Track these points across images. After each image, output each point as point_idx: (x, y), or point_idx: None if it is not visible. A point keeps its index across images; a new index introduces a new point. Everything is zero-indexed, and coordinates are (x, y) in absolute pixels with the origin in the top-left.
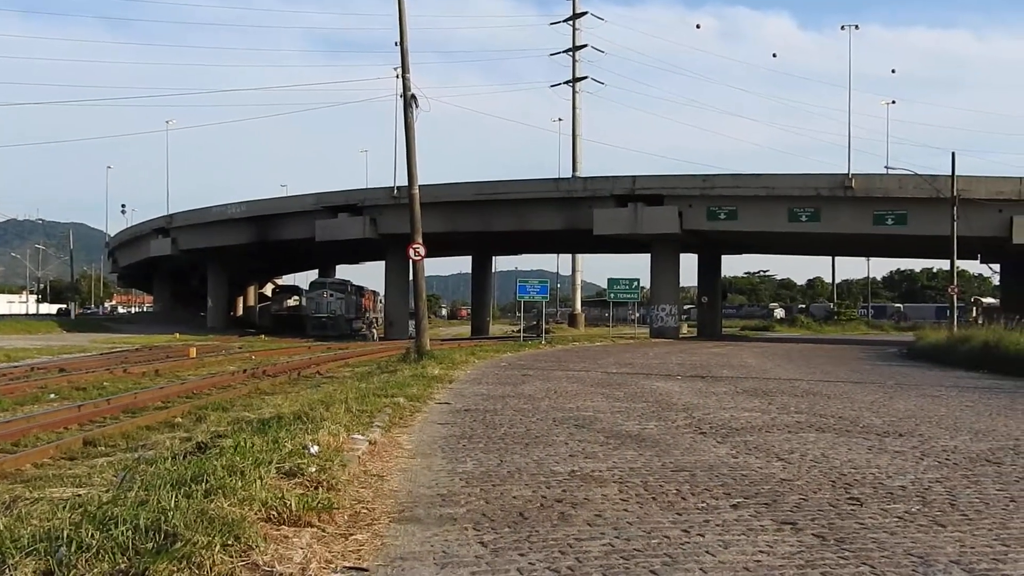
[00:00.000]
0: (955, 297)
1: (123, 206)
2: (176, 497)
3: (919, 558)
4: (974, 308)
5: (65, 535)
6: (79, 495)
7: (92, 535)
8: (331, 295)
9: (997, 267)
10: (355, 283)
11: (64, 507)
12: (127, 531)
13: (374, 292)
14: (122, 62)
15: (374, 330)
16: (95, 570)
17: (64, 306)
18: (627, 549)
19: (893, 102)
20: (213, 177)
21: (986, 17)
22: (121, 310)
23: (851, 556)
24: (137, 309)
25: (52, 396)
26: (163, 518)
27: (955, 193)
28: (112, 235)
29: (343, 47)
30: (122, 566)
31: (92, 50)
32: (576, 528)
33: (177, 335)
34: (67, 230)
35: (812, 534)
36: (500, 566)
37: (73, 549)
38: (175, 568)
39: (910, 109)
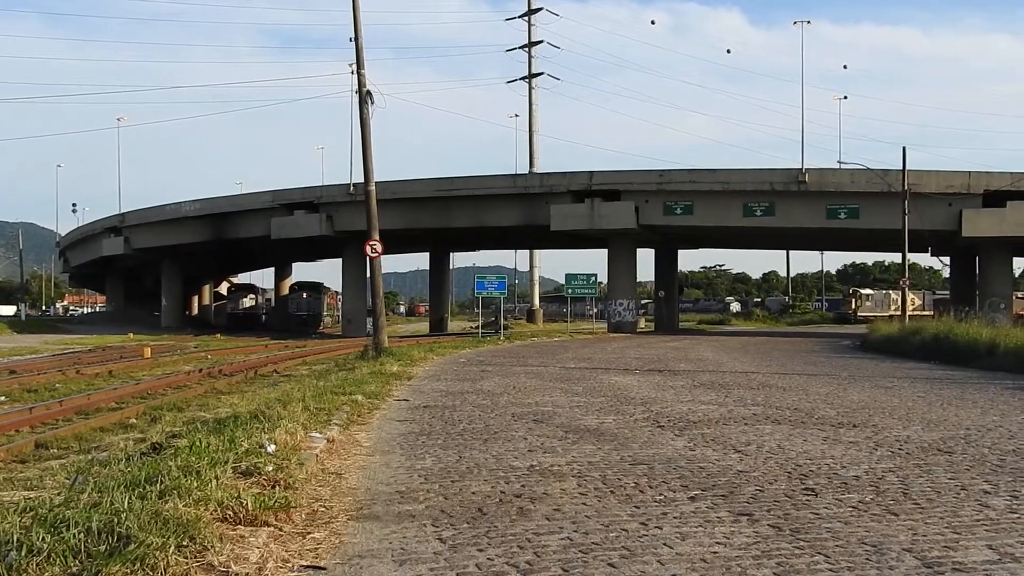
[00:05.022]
0: (906, 289)
1: (74, 205)
2: (130, 498)
3: (873, 547)
4: (853, 300)
5: (15, 539)
6: (30, 498)
7: (43, 538)
8: (308, 295)
9: (947, 260)
10: (308, 283)
11: (14, 510)
12: (79, 534)
13: (336, 292)
14: (67, 58)
15: (328, 319)
16: (46, 574)
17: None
18: (585, 543)
19: (845, 97)
20: (166, 175)
21: (932, 14)
22: (73, 310)
23: (806, 546)
24: (90, 309)
25: (2, 399)
26: (116, 520)
27: (906, 187)
28: (63, 234)
29: (296, 43)
30: (74, 569)
31: (33, 46)
32: (535, 523)
33: (131, 335)
34: (16, 229)
35: (768, 525)
36: (458, 562)
37: (24, 553)
38: (128, 570)
39: (862, 104)
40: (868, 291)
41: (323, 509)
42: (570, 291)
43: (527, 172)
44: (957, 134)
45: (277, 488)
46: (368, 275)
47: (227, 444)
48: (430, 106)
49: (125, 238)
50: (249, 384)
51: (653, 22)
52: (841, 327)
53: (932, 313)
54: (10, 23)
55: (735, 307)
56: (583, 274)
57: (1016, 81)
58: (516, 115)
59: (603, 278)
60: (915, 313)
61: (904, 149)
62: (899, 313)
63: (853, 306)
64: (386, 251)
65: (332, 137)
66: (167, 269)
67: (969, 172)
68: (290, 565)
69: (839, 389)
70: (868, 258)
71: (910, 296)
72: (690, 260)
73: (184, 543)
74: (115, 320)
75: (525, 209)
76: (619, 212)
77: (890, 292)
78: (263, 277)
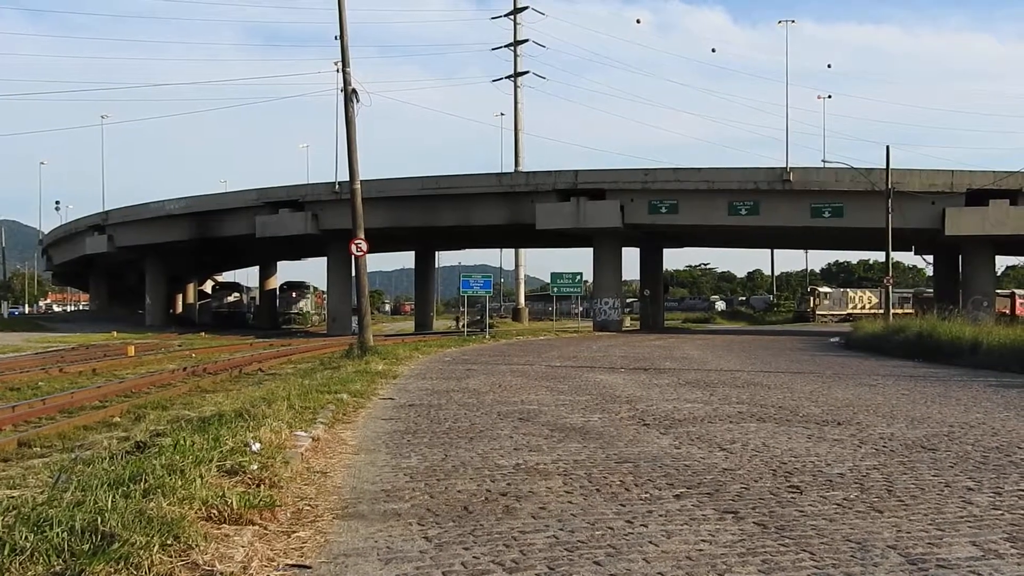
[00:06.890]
0: (890, 287)
1: (57, 203)
2: (113, 497)
3: (857, 543)
4: (812, 299)
5: None
6: (13, 497)
7: (26, 537)
8: (297, 295)
9: (931, 258)
10: (297, 283)
11: None
12: (62, 533)
13: (322, 291)
14: (50, 55)
15: (315, 317)
16: (29, 573)
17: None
18: (571, 541)
19: (829, 96)
20: (151, 173)
21: (914, 13)
22: (56, 308)
23: (791, 543)
24: (73, 307)
25: None
26: (100, 519)
27: (890, 186)
28: (46, 232)
29: (280, 40)
30: (57, 568)
31: (14, 42)
32: (521, 521)
33: (115, 333)
34: None
35: (753, 522)
36: (444, 560)
37: (6, 552)
38: (112, 569)
39: (845, 103)
40: (826, 289)
41: (308, 508)
42: (556, 290)
43: (513, 171)
44: (940, 133)
45: (262, 487)
46: (353, 274)
47: (212, 443)
48: (416, 104)
49: (109, 236)
50: (234, 382)
51: (639, 21)
52: (826, 325)
53: (913, 311)
54: None
55: (720, 306)
56: (568, 273)
57: (998, 80)
58: (502, 114)
59: (588, 277)
60: (874, 312)
61: (888, 148)
62: (857, 312)
63: (812, 304)
64: (371, 250)
65: (317, 135)
66: (151, 267)
67: (952, 171)
68: (275, 564)
69: (824, 387)
70: (852, 256)
71: (868, 295)
72: (675, 259)
73: (168, 542)
74: (98, 318)
75: (511, 208)
76: (604, 211)
77: (847, 291)
78: (247, 276)
